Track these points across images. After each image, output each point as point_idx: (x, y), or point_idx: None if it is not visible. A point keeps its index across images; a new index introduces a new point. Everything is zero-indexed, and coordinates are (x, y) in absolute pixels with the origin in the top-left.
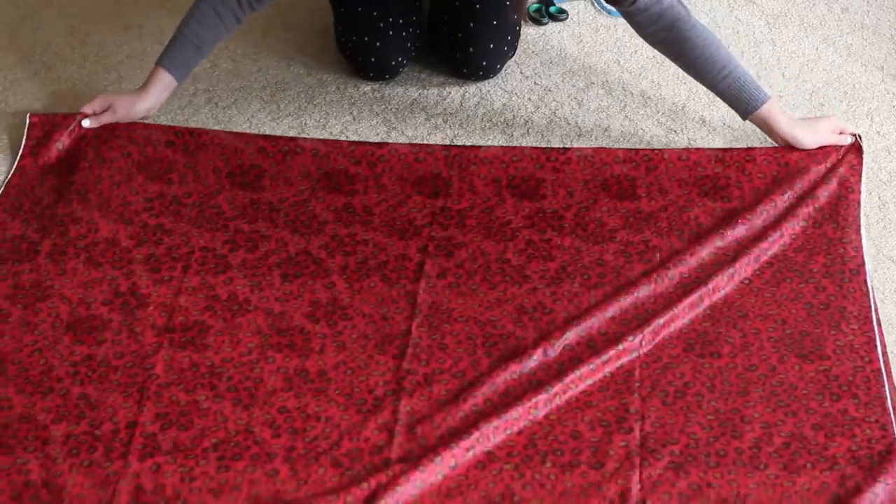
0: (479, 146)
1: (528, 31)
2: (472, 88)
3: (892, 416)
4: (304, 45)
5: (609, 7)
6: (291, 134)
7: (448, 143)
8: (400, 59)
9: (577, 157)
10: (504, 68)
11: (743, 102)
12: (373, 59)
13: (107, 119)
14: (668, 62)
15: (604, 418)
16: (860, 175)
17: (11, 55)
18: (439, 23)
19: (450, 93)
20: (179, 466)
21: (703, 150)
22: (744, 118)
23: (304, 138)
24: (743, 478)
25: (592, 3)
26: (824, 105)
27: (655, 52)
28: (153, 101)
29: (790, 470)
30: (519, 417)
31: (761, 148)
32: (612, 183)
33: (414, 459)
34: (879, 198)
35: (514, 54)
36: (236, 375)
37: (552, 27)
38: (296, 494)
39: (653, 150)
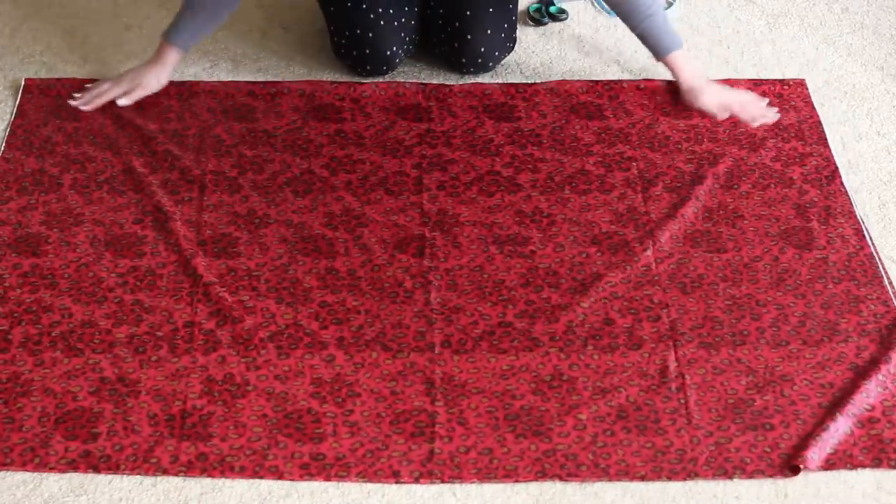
0: (453, 84)
1: (528, 31)
2: None
3: (891, 292)
4: (304, 46)
5: (609, 7)
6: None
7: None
8: (395, 48)
9: (543, 89)
10: (504, 65)
11: (655, 46)
12: (367, 51)
13: (139, 95)
14: None
15: (631, 307)
16: (812, 104)
17: (12, 55)
18: (434, 16)
19: None
20: (242, 357)
21: (656, 80)
22: (656, 60)
23: (290, 81)
24: (768, 352)
25: (592, 3)
26: (825, 105)
27: None
28: (171, 71)
29: (809, 344)
30: (545, 306)
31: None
32: (580, 108)
33: (457, 344)
34: (879, 198)
35: (513, 47)
36: (273, 278)
37: (552, 27)
38: (354, 377)
39: (612, 80)
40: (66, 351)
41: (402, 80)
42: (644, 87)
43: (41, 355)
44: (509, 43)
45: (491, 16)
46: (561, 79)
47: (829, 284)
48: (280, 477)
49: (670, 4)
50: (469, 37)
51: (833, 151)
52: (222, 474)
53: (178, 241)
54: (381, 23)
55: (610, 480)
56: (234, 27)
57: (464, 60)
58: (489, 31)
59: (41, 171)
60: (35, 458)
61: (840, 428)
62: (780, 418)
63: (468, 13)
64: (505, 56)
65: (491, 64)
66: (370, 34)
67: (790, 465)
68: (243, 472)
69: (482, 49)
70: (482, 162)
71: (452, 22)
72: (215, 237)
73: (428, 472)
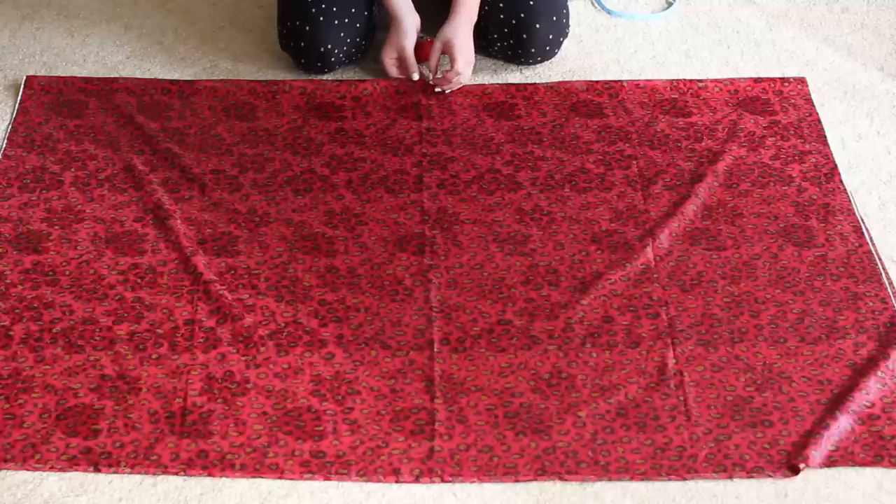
0: None
1: None
2: None
3: (889, 290)
4: None
5: (609, 7)
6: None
7: None
8: (330, 46)
9: (543, 87)
10: (503, 65)
11: None
12: (303, 45)
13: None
14: (668, 62)
15: (630, 304)
16: (812, 102)
17: (12, 55)
18: (494, 13)
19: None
20: (242, 355)
21: (658, 80)
22: None
23: (291, 79)
24: (766, 350)
25: (592, 3)
26: (824, 105)
27: (655, 51)
28: (411, 17)
29: (808, 341)
30: (544, 304)
31: (711, 79)
32: (580, 105)
33: (456, 342)
34: (879, 198)
35: (569, 31)
36: (273, 276)
37: None
38: (354, 374)
39: (612, 80)
40: (67, 348)
41: (404, 79)
42: (643, 86)
43: (42, 352)
44: (568, 28)
45: (552, 2)
46: (561, 79)
47: (827, 282)
48: (280, 474)
49: (670, 4)
50: (537, 26)
51: (833, 151)
52: (223, 472)
53: (178, 239)
54: (321, 18)
55: (610, 478)
56: (234, 27)
57: (533, 51)
58: (554, 18)
59: (42, 168)
60: (36, 455)
61: (841, 425)
62: (779, 415)
63: (531, 3)
64: (564, 40)
65: (556, 50)
66: (307, 28)
67: (790, 465)
68: (244, 470)
69: (549, 37)
70: (482, 160)
71: (517, 14)
72: (215, 235)
73: (428, 469)
